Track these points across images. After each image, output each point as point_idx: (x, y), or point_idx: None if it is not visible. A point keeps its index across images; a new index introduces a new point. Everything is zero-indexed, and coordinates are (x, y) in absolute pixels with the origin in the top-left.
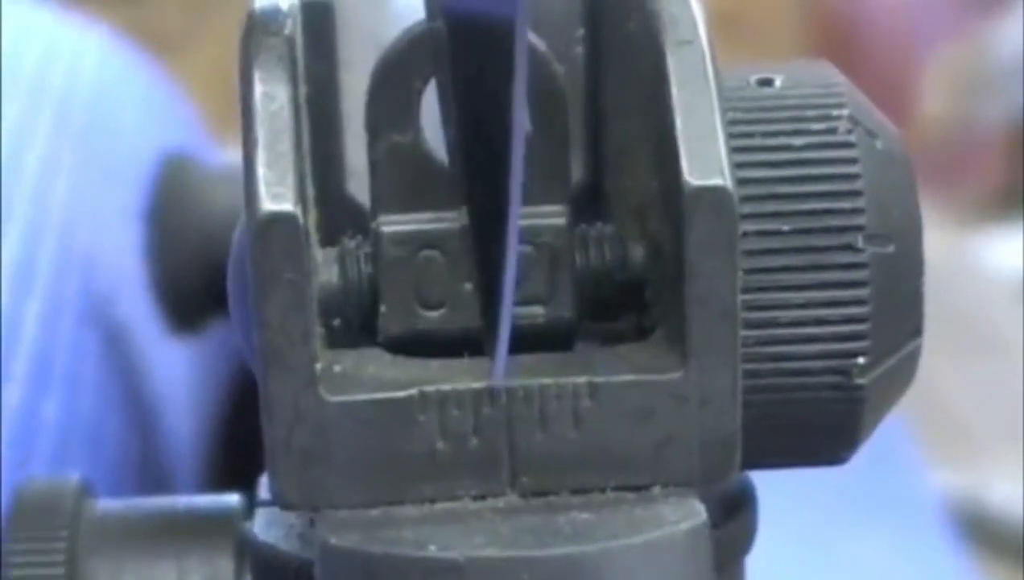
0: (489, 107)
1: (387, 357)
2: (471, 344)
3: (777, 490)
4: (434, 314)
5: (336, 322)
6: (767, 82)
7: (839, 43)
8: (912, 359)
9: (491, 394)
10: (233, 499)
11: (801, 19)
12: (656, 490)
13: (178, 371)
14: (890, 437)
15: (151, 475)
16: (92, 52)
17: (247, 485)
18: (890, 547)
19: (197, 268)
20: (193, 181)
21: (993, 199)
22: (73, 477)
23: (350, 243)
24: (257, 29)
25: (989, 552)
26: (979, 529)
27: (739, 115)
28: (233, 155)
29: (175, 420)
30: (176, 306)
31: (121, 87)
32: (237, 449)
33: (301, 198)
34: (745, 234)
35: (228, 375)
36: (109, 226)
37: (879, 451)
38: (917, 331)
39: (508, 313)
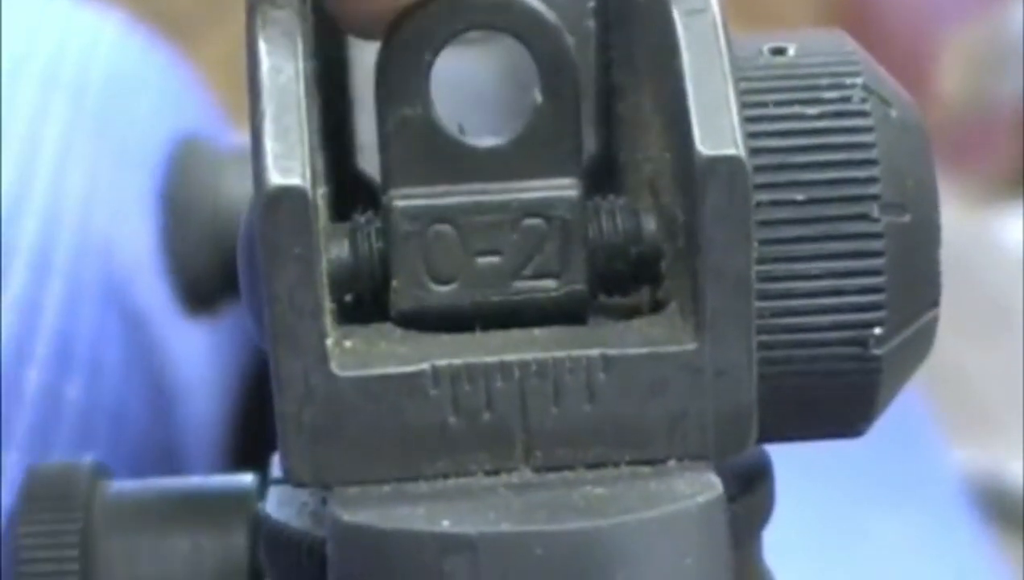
0: None
1: (399, 332)
2: (483, 318)
3: (797, 467)
4: (446, 289)
5: (347, 297)
6: (780, 51)
7: (855, 21)
8: (929, 330)
9: (504, 368)
10: (247, 478)
11: None
12: (671, 464)
13: (196, 353)
14: (909, 414)
15: (171, 457)
16: (107, 37)
17: (264, 466)
18: (910, 525)
19: (211, 250)
20: (207, 164)
21: (1009, 177)
22: (87, 459)
23: (361, 218)
24: (263, 2)
25: (1009, 529)
26: (999, 506)
27: (752, 84)
28: (248, 139)
29: (194, 402)
30: (190, 288)
31: (136, 72)
32: (254, 431)
33: (310, 172)
34: (759, 204)
35: (245, 357)
36: (126, 211)
37: (899, 429)
38: (934, 302)
39: None
